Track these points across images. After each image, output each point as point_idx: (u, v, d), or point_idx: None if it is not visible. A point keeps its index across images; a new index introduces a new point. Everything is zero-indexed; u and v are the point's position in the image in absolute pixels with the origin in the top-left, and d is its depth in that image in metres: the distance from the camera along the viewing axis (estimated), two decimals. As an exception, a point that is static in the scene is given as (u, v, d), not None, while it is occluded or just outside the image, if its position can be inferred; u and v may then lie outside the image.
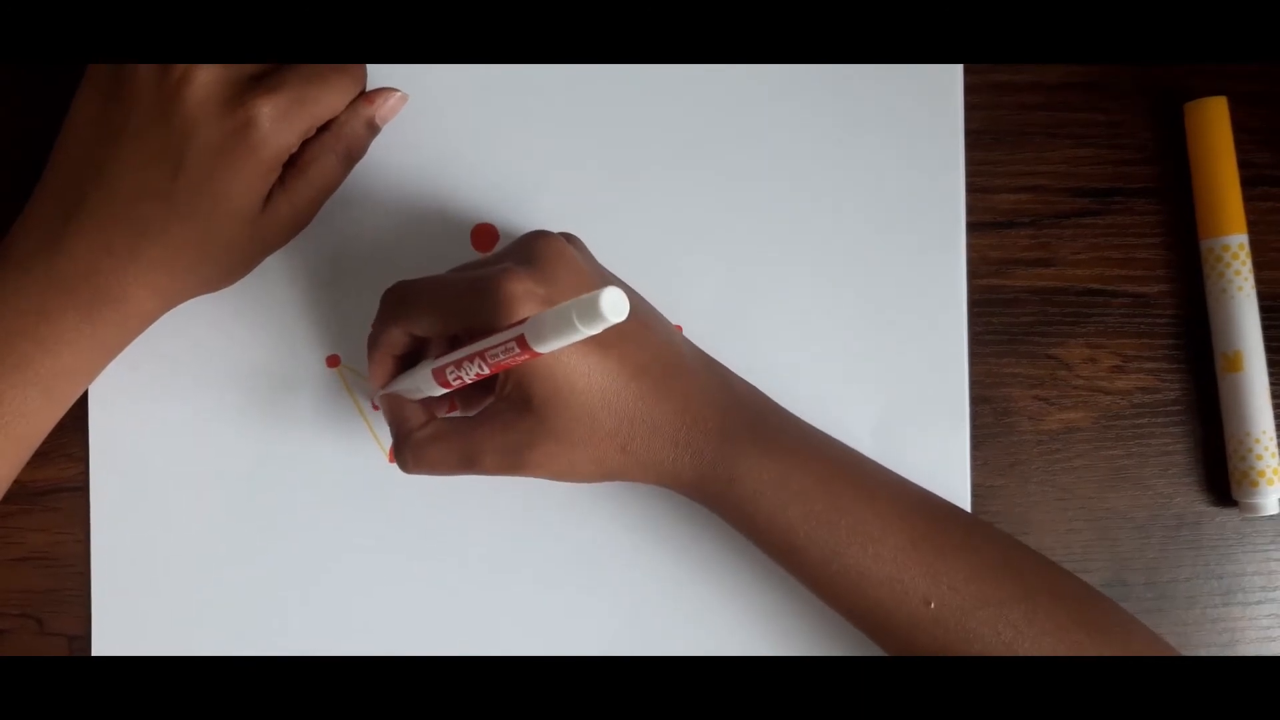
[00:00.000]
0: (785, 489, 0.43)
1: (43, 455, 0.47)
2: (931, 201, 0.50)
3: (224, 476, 0.49)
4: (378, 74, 0.47)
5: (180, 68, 0.43)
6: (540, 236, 0.43)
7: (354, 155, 0.46)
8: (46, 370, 0.44)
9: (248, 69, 0.44)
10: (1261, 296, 0.50)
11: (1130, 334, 0.50)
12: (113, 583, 0.49)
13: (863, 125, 0.50)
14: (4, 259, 0.44)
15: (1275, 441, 0.49)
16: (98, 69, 0.44)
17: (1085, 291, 0.50)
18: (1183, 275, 0.51)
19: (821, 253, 0.50)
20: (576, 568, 0.49)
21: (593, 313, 0.35)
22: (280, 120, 0.43)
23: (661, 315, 0.46)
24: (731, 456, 0.43)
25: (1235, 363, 0.49)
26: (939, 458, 0.49)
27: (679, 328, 0.49)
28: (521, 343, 0.38)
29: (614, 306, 0.35)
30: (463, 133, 0.49)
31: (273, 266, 0.48)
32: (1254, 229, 0.50)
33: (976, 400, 0.50)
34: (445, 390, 0.43)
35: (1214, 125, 0.49)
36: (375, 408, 0.49)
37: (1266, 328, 0.50)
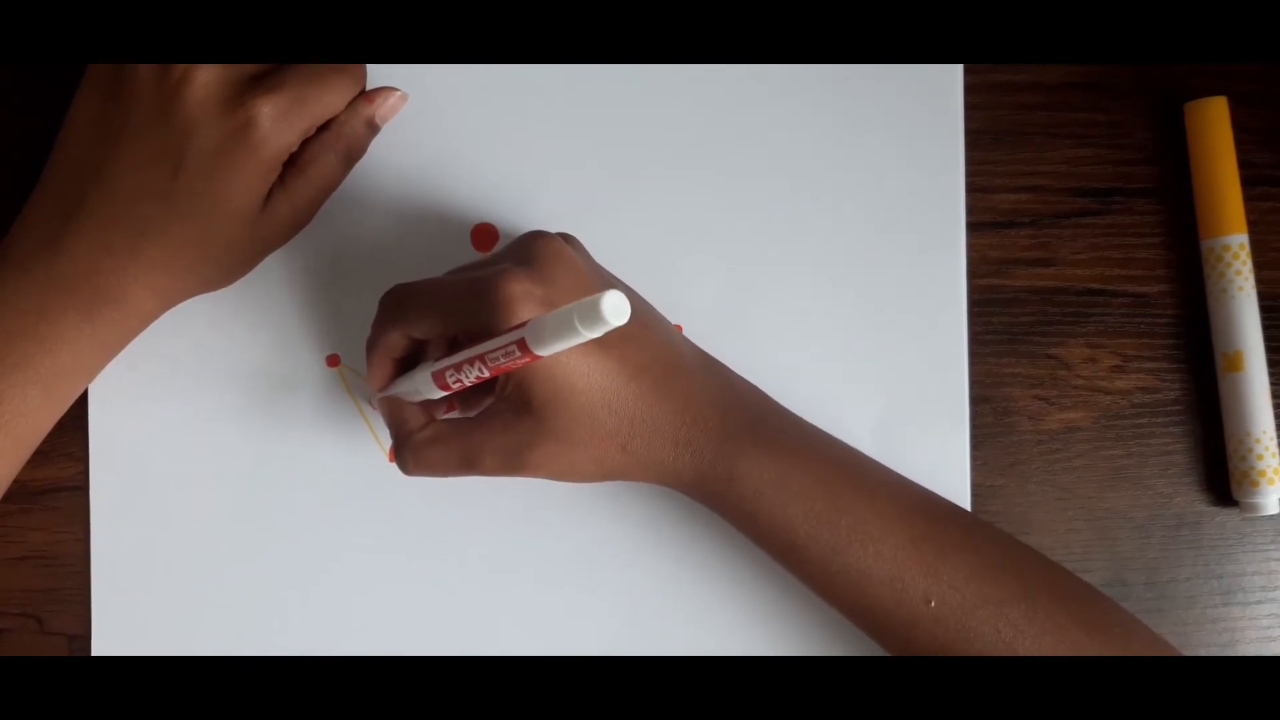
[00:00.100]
0: (785, 488, 0.43)
1: (42, 455, 0.47)
2: (931, 201, 0.50)
3: (224, 476, 0.49)
4: (378, 74, 0.47)
5: (180, 68, 0.43)
6: (538, 237, 0.43)
7: (354, 155, 0.46)
8: (46, 370, 0.44)
9: (248, 69, 0.44)
10: (1262, 296, 0.50)
11: (1130, 334, 0.50)
12: (112, 582, 0.49)
13: (863, 125, 0.50)
14: (4, 259, 0.44)
15: (1275, 441, 0.49)
16: (98, 69, 0.44)
17: (1085, 291, 0.50)
18: (1183, 275, 0.51)
19: (821, 253, 0.50)
20: (576, 568, 0.49)
21: (594, 316, 0.35)
22: (280, 120, 0.43)
23: (661, 315, 0.46)
24: (732, 456, 0.43)
25: (1235, 362, 0.49)
26: (939, 458, 0.49)
27: (679, 328, 0.49)
28: (522, 345, 0.38)
29: (615, 309, 0.35)
30: (463, 133, 0.49)
31: (273, 266, 0.48)
32: (1254, 229, 0.50)
33: (976, 400, 0.50)
34: (445, 393, 0.43)
35: (1214, 125, 0.49)
36: (375, 409, 0.49)
37: (1267, 328, 0.50)
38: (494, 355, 0.39)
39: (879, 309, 0.49)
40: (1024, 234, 0.50)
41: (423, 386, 0.43)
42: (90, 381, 0.46)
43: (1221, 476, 0.50)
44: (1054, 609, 0.43)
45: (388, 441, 0.49)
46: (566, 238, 0.45)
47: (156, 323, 0.46)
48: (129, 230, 0.43)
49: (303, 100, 0.44)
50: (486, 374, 0.40)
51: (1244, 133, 0.50)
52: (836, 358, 0.49)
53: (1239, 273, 0.49)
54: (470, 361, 0.40)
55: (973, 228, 0.50)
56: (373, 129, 0.47)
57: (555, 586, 0.49)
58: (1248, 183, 0.50)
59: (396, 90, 0.47)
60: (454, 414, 0.47)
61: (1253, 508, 0.49)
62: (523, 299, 0.40)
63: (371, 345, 0.45)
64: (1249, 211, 0.50)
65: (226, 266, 0.46)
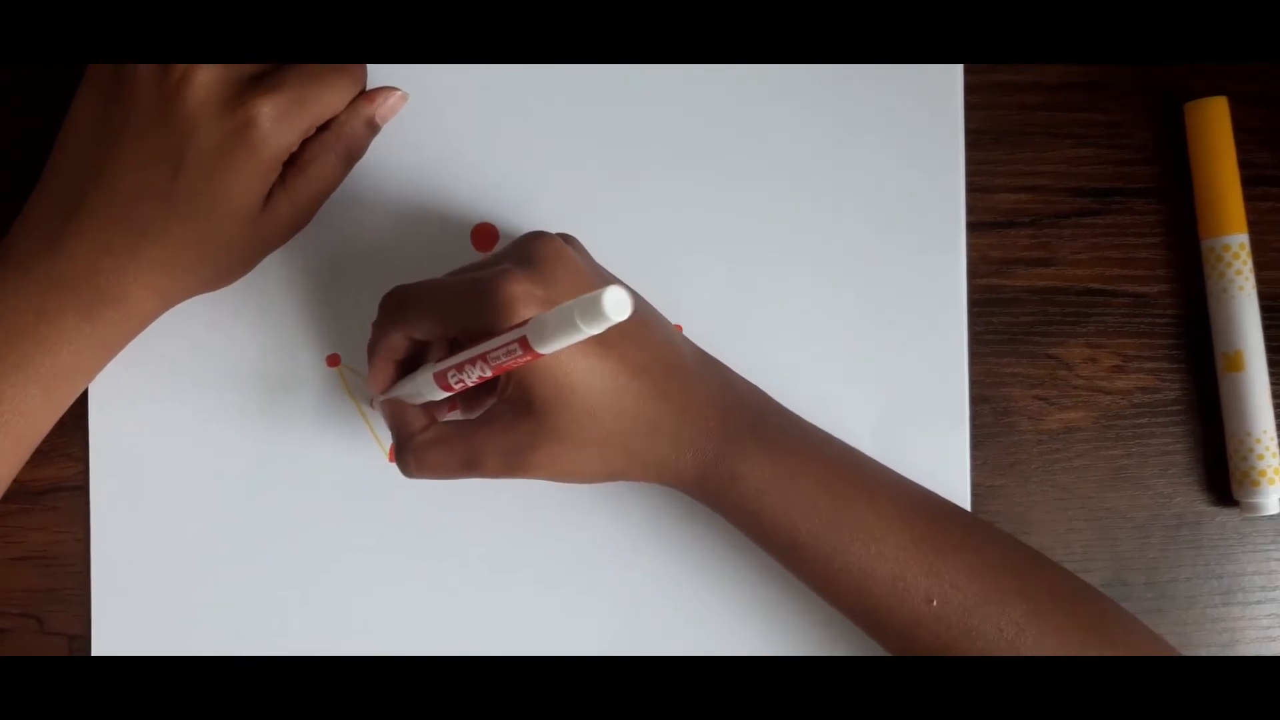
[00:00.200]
0: (787, 487, 0.43)
1: (42, 455, 0.47)
2: (931, 201, 0.50)
3: (224, 476, 0.49)
4: (378, 74, 0.47)
5: (180, 68, 0.43)
6: (538, 237, 0.43)
7: (354, 155, 0.46)
8: (46, 369, 0.44)
9: (248, 69, 0.44)
10: (1262, 296, 0.50)
11: (1130, 334, 0.50)
12: (112, 582, 0.49)
13: (863, 125, 0.50)
14: (4, 258, 0.44)
15: (1276, 441, 0.49)
16: (98, 69, 0.44)
17: (1085, 291, 0.50)
18: (1183, 275, 0.51)
19: (821, 253, 0.50)
20: (576, 568, 0.49)
21: (595, 312, 0.35)
22: (280, 120, 0.43)
23: (661, 315, 0.46)
24: (733, 455, 0.43)
25: (1236, 362, 0.49)
26: (939, 458, 0.49)
27: (679, 328, 0.49)
28: (524, 344, 0.38)
29: (616, 305, 0.35)
30: (463, 133, 0.49)
31: (273, 266, 0.48)
32: (1254, 229, 0.50)
33: (976, 400, 0.50)
34: (447, 394, 0.43)
35: (1214, 125, 0.49)
36: (376, 410, 0.49)
37: (1267, 327, 0.50)
38: (495, 354, 0.39)
39: (879, 309, 0.49)
40: (1024, 234, 0.50)
41: (424, 388, 0.43)
42: (90, 381, 0.46)
43: (1221, 476, 0.50)
44: (1055, 608, 0.43)
45: (388, 442, 0.49)
46: (566, 238, 0.45)
47: (156, 323, 0.46)
48: (129, 230, 0.43)
49: (303, 100, 0.44)
50: (488, 373, 0.40)
51: (1244, 133, 0.50)
52: (836, 358, 0.49)
53: (1239, 273, 0.49)
54: (472, 361, 0.40)
55: (973, 228, 0.50)
56: (373, 129, 0.47)
57: (555, 586, 0.49)
58: (1248, 183, 0.50)
59: (396, 90, 0.47)
60: (455, 414, 0.47)
61: (1253, 508, 0.49)
62: (524, 299, 0.40)
63: (372, 347, 0.45)
64: (1249, 211, 0.50)
65: (226, 266, 0.46)
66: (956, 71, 0.50)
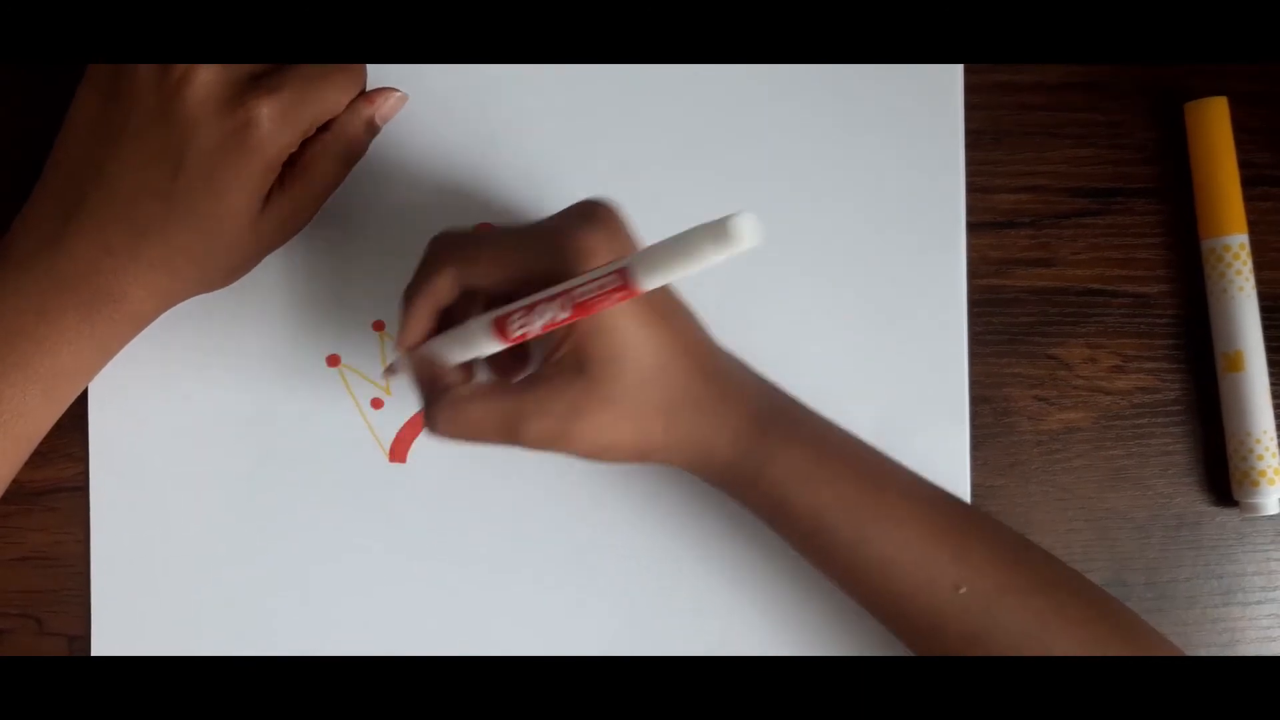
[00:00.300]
0: (816, 475, 0.43)
1: (42, 455, 0.47)
2: (931, 201, 0.50)
3: (224, 476, 0.49)
4: (378, 74, 0.47)
5: (180, 68, 0.43)
6: (599, 202, 0.42)
7: (354, 155, 0.46)
8: (46, 369, 0.44)
9: (248, 69, 0.44)
10: (1262, 296, 0.50)
11: (1130, 334, 0.50)
12: (112, 583, 0.49)
13: (863, 125, 0.50)
14: (4, 258, 0.44)
15: (1276, 441, 0.49)
16: (98, 69, 0.44)
17: (1085, 291, 0.50)
18: (1183, 275, 0.51)
19: (821, 253, 0.50)
20: (577, 568, 0.49)
21: (724, 234, 0.32)
22: (280, 120, 0.43)
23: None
24: (765, 442, 0.43)
25: (1236, 362, 0.49)
26: (939, 458, 0.49)
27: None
28: (623, 275, 0.35)
29: (750, 228, 0.32)
30: (463, 133, 0.49)
31: (273, 266, 0.48)
32: (1254, 229, 0.50)
33: (976, 400, 0.50)
34: (496, 347, 0.41)
35: (1214, 125, 0.49)
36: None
37: (1267, 327, 0.50)
38: (584, 289, 0.37)
39: (879, 309, 0.49)
40: (1024, 234, 0.50)
41: (476, 337, 0.41)
42: (89, 381, 0.46)
43: (1221, 476, 0.50)
44: (1075, 601, 0.43)
45: (388, 441, 0.49)
46: (619, 208, 0.44)
47: (156, 323, 0.46)
48: (129, 230, 0.43)
49: (303, 100, 0.44)
50: (565, 315, 0.38)
51: (1244, 133, 0.50)
52: (836, 358, 0.49)
53: (1239, 273, 0.49)
54: (549, 300, 0.38)
55: (973, 228, 0.50)
56: (373, 129, 0.47)
57: (555, 586, 0.49)
58: (1248, 183, 0.50)
59: (396, 90, 0.47)
60: None
61: (1253, 508, 0.49)
62: (600, 253, 0.39)
63: (414, 291, 0.42)
64: (1249, 211, 0.50)
65: (226, 266, 0.46)
66: (956, 71, 0.50)
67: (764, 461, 0.43)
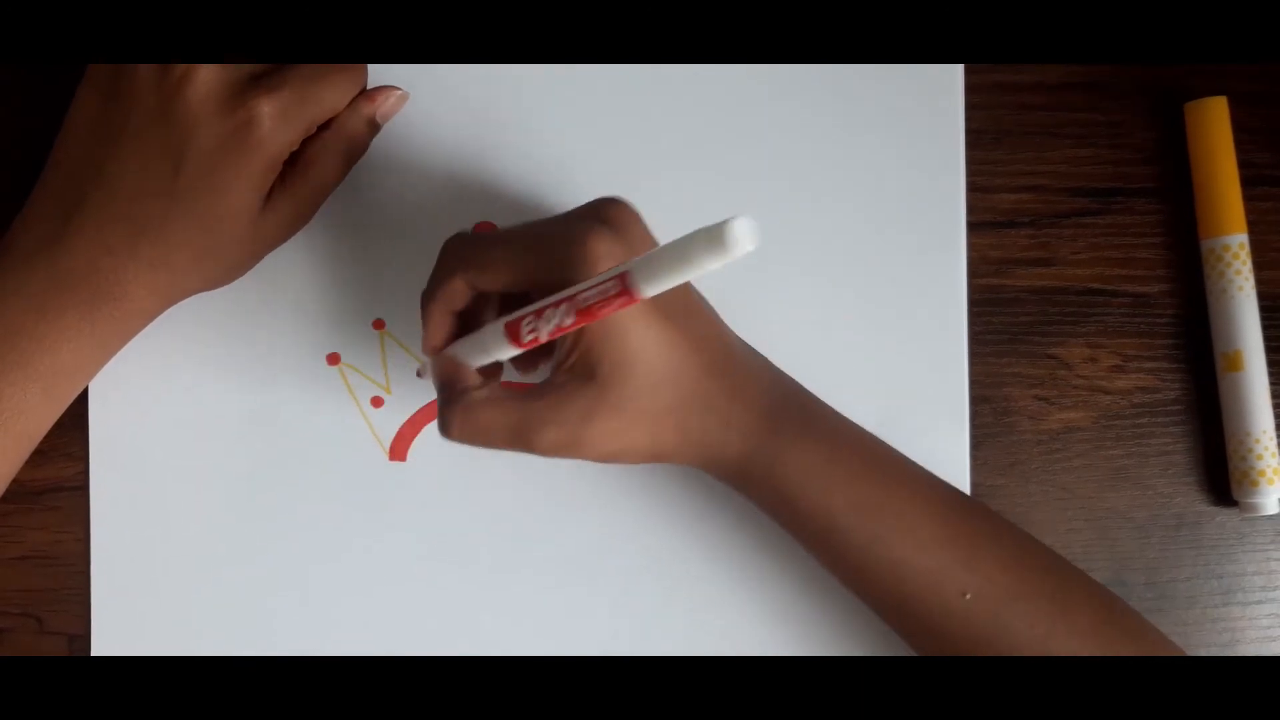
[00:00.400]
0: (828, 475, 0.43)
1: (42, 454, 0.47)
2: (931, 201, 0.50)
3: (224, 475, 0.49)
4: (378, 74, 0.47)
5: (181, 67, 0.43)
6: (614, 200, 0.42)
7: (354, 154, 0.46)
8: (46, 368, 0.44)
9: (248, 68, 0.44)
10: (1261, 296, 0.50)
11: (1130, 334, 0.50)
12: (112, 582, 0.49)
13: (863, 125, 0.50)
14: (4, 257, 0.44)
15: (1275, 441, 0.49)
16: (98, 69, 0.44)
17: (1085, 291, 0.50)
18: (1183, 275, 0.51)
19: (821, 253, 0.50)
20: (577, 567, 0.49)
21: (721, 240, 0.32)
22: (281, 119, 0.43)
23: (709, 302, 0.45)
24: (777, 441, 0.43)
25: (1235, 362, 0.49)
26: (939, 458, 0.49)
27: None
28: (624, 281, 0.35)
29: (747, 233, 0.32)
30: (463, 132, 0.49)
31: (273, 265, 0.48)
32: (1254, 229, 0.50)
33: (976, 400, 0.50)
34: (513, 351, 0.41)
35: (1214, 125, 0.50)
36: (419, 375, 0.48)
37: (1266, 327, 0.50)
38: (587, 296, 0.37)
39: (879, 309, 0.49)
40: (1024, 234, 0.50)
41: (491, 342, 0.41)
42: (90, 380, 0.46)
43: (1221, 476, 0.50)
44: (1083, 607, 0.43)
45: (388, 441, 0.49)
46: (635, 207, 0.44)
47: (156, 322, 0.46)
48: (129, 229, 0.43)
49: (303, 100, 0.44)
50: (570, 321, 0.38)
51: (1244, 133, 0.50)
52: (836, 358, 0.49)
53: (1239, 273, 0.49)
54: (555, 305, 0.38)
55: (973, 228, 0.50)
56: (373, 128, 0.47)
57: (555, 586, 0.49)
58: (1248, 183, 0.50)
59: (397, 89, 0.47)
60: None
61: (1253, 508, 0.49)
62: (608, 256, 0.39)
63: (430, 296, 0.43)
64: (1249, 211, 0.50)
65: (227, 265, 0.46)
66: (956, 71, 0.50)
67: (775, 459, 0.43)
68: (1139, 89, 0.51)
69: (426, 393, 0.49)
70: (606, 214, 0.41)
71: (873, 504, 0.43)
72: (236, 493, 0.49)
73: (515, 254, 0.41)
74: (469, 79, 0.49)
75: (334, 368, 0.49)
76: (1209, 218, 0.50)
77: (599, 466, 0.47)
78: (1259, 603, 0.50)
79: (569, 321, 0.38)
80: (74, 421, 0.48)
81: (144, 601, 0.49)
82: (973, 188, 0.50)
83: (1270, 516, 0.50)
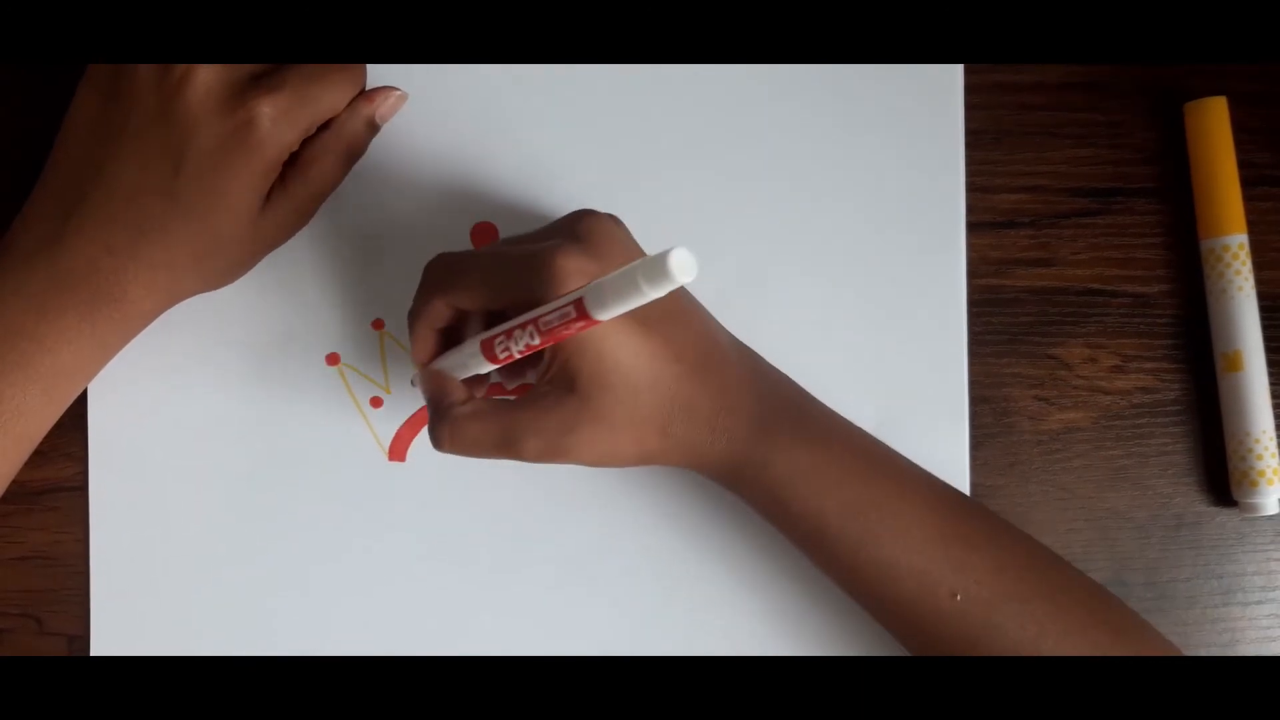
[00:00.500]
0: (818, 478, 0.43)
1: (42, 455, 0.47)
2: (931, 201, 0.50)
3: (224, 476, 0.49)
4: (377, 74, 0.47)
5: (180, 67, 0.43)
6: (589, 214, 0.43)
7: (354, 154, 0.46)
8: (46, 369, 0.44)
9: (248, 69, 0.44)
10: (1261, 296, 0.50)
11: (1130, 334, 0.50)
12: (111, 582, 0.49)
13: (863, 125, 0.50)
14: (4, 257, 0.44)
15: (1275, 441, 0.49)
16: (98, 69, 0.44)
17: (1085, 291, 0.50)
18: (1183, 275, 0.51)
19: (821, 253, 0.50)
20: (577, 567, 0.49)
21: (660, 272, 0.34)
22: (280, 120, 0.43)
23: (699, 302, 0.45)
24: (766, 443, 0.43)
25: (1235, 362, 0.49)
26: (939, 458, 0.49)
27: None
28: (579, 307, 0.37)
29: (682, 265, 0.33)
30: (463, 132, 0.49)
31: (272, 265, 0.48)
32: (1254, 229, 0.50)
33: (976, 400, 0.50)
34: (491, 366, 0.42)
35: (1214, 125, 0.49)
36: (412, 385, 0.48)
37: (1266, 328, 0.50)
38: (548, 319, 0.38)
39: (879, 309, 0.49)
40: (1024, 234, 0.50)
41: (470, 359, 0.42)
42: (89, 381, 0.46)
43: (1221, 476, 0.50)
44: (1076, 608, 0.43)
45: (388, 441, 0.49)
46: (613, 218, 0.45)
47: (156, 322, 0.46)
48: (129, 229, 0.43)
49: (303, 100, 0.44)
50: (538, 341, 0.39)
51: (1244, 133, 0.50)
52: (836, 357, 0.49)
53: (1239, 273, 0.49)
54: (522, 327, 0.39)
55: (973, 228, 0.50)
56: (373, 128, 0.47)
57: (555, 586, 0.49)
58: (1248, 183, 0.50)
59: (396, 90, 0.47)
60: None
61: (1252, 508, 0.49)
62: (576, 273, 0.40)
63: (415, 315, 0.44)
64: (1249, 211, 0.50)
65: (226, 266, 0.46)
66: (956, 71, 0.50)
67: (765, 463, 0.43)
68: (1139, 89, 0.51)
69: (426, 393, 0.49)
70: (580, 229, 0.42)
71: (864, 506, 0.43)
72: (236, 493, 0.49)
73: (488, 275, 0.42)
74: (469, 79, 0.49)
75: (334, 368, 0.49)
76: (1209, 218, 0.50)
77: (596, 468, 0.47)
78: (1259, 603, 0.50)
79: (536, 341, 0.39)
80: (74, 422, 0.48)
81: (143, 602, 0.49)
82: (973, 188, 0.50)
83: (1270, 516, 0.50)
